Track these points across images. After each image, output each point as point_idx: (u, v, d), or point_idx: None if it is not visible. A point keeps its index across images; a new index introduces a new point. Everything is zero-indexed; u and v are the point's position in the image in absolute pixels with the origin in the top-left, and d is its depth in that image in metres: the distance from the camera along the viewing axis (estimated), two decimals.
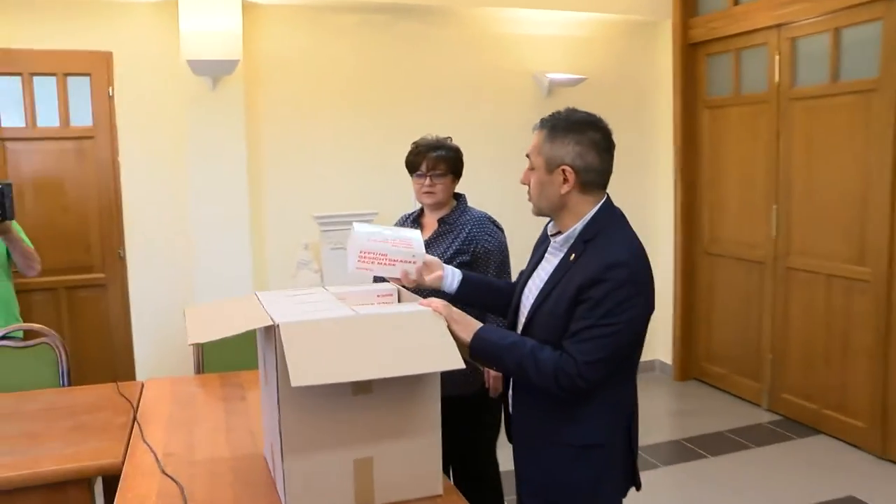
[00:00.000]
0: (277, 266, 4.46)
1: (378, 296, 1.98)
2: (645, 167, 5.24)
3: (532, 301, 1.83)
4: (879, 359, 3.85)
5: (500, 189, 4.37)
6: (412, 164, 2.59)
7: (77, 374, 3.24)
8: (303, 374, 1.50)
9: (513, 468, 1.95)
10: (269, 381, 1.78)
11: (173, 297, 4.31)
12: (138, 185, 4.25)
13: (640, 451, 2.04)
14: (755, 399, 4.68)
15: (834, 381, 4.13)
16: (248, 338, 3.22)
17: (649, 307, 1.74)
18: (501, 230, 2.63)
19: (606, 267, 1.67)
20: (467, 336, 1.76)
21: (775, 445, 4.07)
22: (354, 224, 1.98)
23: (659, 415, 4.62)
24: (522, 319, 1.86)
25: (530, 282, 1.90)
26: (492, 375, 2.59)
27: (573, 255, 1.76)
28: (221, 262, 4.23)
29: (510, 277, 2.59)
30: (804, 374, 4.33)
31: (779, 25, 4.31)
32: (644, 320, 1.74)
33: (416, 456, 1.73)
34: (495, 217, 2.67)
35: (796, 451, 3.98)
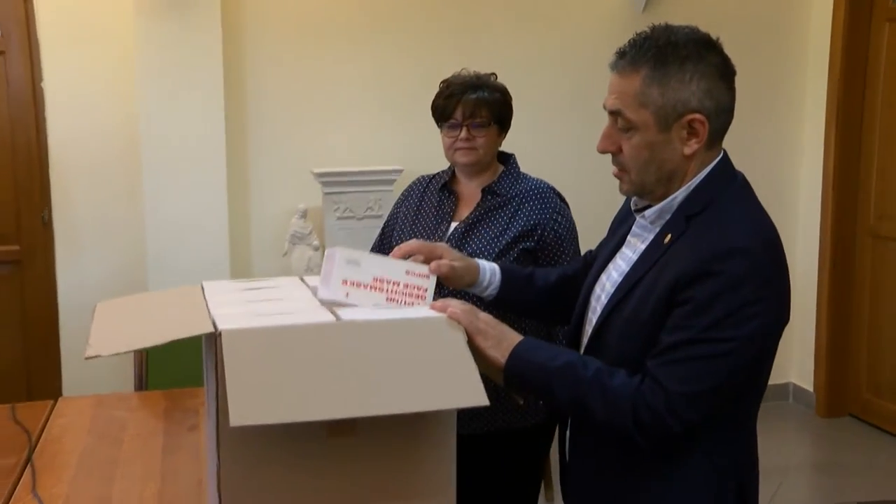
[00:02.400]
0: (264, 240, 4.51)
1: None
2: (781, 110, 5.21)
3: (606, 301, 1.78)
4: None
5: (571, 152, 4.31)
6: (442, 110, 2.61)
7: None
8: (248, 407, 1.46)
9: None
10: (209, 412, 1.77)
11: (118, 281, 4.31)
12: (70, 121, 4.26)
13: None
14: None
15: None
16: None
17: (782, 318, 1.67)
18: (568, 207, 2.68)
19: (718, 254, 1.58)
20: (500, 355, 1.69)
21: None
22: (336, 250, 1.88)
23: (796, 468, 4.57)
24: (590, 328, 1.83)
25: (604, 275, 1.85)
26: None
27: (669, 235, 1.69)
28: (187, 234, 4.25)
29: None
30: None
31: None
32: (773, 337, 1.67)
33: None
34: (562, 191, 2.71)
35: None
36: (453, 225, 2.60)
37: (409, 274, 1.86)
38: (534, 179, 2.66)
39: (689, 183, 1.69)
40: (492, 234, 2.53)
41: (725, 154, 1.74)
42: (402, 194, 2.84)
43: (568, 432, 1.89)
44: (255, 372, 1.52)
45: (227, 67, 4.27)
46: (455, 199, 2.66)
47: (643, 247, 1.75)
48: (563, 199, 2.65)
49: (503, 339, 1.70)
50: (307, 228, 4.31)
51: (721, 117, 1.68)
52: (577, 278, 2.03)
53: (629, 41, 1.69)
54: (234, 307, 1.73)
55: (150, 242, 4.22)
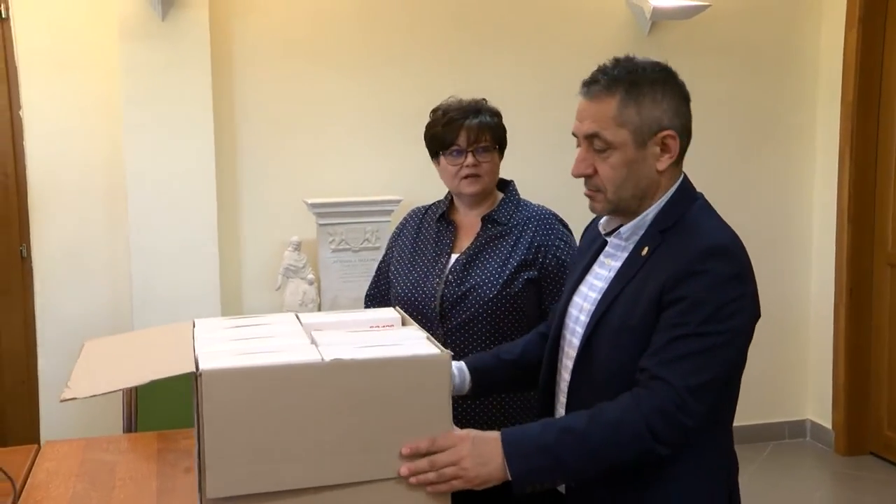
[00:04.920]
0: (256, 274, 4.52)
1: (363, 328, 1.97)
2: (792, 139, 5.21)
3: (589, 318, 1.89)
4: None
5: (568, 177, 4.23)
6: (443, 138, 2.62)
7: None
8: (226, 476, 1.54)
9: None
10: (195, 457, 1.76)
11: (101, 319, 4.31)
12: (50, 151, 4.26)
13: None
14: None
15: None
16: None
17: (757, 313, 1.84)
18: (572, 234, 2.70)
19: (701, 256, 1.76)
20: (496, 468, 1.72)
21: None
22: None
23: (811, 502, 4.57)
24: (571, 349, 1.93)
25: (577, 297, 1.98)
26: None
27: (646, 248, 1.85)
28: (174, 269, 4.25)
29: None
30: None
31: None
32: (751, 331, 1.83)
33: None
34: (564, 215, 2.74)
35: None
36: (454, 257, 2.62)
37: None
38: (535, 206, 2.70)
39: (660, 200, 1.87)
40: (495, 264, 2.55)
41: (685, 175, 1.92)
42: (397, 228, 2.85)
43: None
44: (234, 426, 1.55)
45: (216, 95, 4.29)
46: (454, 230, 2.67)
47: (619, 264, 1.89)
48: (566, 226, 2.69)
49: (488, 452, 1.71)
50: (301, 261, 4.31)
51: (685, 136, 1.88)
52: (545, 335, 2.14)
53: (598, 69, 1.89)
54: (219, 344, 1.76)
55: (135, 278, 4.20)
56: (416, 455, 1.66)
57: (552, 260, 2.58)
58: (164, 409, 3.16)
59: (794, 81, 5.13)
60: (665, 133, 1.83)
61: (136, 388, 3.16)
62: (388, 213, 4.37)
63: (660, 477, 1.79)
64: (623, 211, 1.90)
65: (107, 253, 4.36)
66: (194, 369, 1.59)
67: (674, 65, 5.39)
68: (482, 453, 1.70)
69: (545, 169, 4.54)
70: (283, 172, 4.50)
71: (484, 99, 2.70)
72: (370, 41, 4.56)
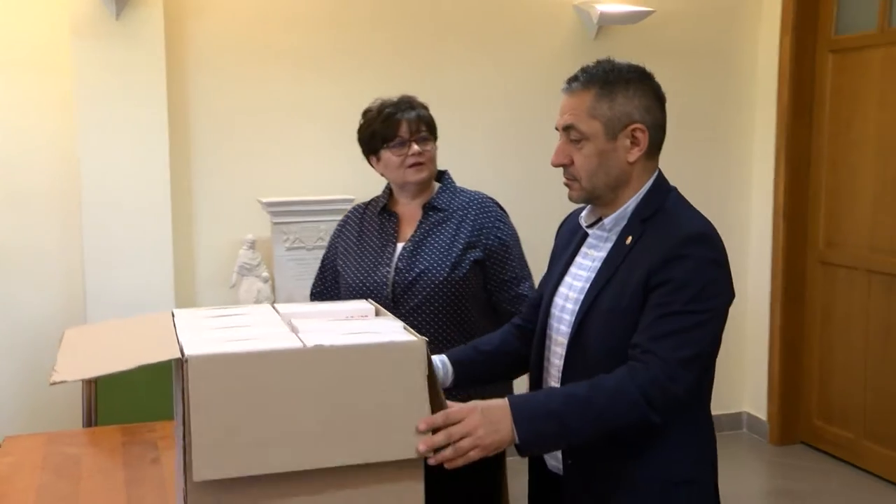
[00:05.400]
0: (211, 272, 4.52)
1: (340, 318, 1.99)
2: (731, 139, 5.30)
3: (578, 305, 2.00)
4: None
5: (521, 173, 4.41)
6: (383, 133, 2.74)
7: None
8: (212, 459, 1.54)
9: None
10: (178, 435, 1.77)
11: (54, 319, 4.30)
12: (2, 150, 4.25)
13: None
14: None
15: None
16: (163, 374, 3.23)
17: (732, 293, 1.97)
18: (508, 215, 2.85)
19: (684, 241, 1.90)
20: (507, 433, 1.81)
21: None
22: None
23: (750, 495, 4.61)
24: (561, 336, 2.04)
25: (562, 287, 2.09)
26: None
27: (629, 237, 1.97)
28: (128, 267, 4.23)
29: (531, 277, 2.81)
30: None
31: None
32: (727, 311, 1.97)
33: None
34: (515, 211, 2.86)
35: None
36: (400, 245, 2.71)
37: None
38: (472, 192, 2.82)
39: (639, 192, 2.00)
40: (441, 248, 2.66)
41: (660, 169, 2.05)
42: (338, 226, 2.94)
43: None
44: (219, 412, 1.55)
45: (170, 95, 4.28)
46: (396, 221, 2.78)
47: (603, 253, 2.01)
48: (503, 209, 2.83)
49: (497, 418, 1.79)
50: (256, 259, 4.33)
51: (657, 132, 2.00)
52: (524, 325, 2.25)
53: (580, 69, 2.01)
54: (202, 333, 1.77)
55: (89, 277, 4.19)
56: (431, 430, 1.70)
57: (494, 241, 2.70)
58: (124, 403, 3.17)
59: (734, 84, 5.23)
60: (634, 126, 1.95)
61: (96, 384, 3.15)
62: (342, 211, 4.25)
63: (653, 446, 1.90)
64: (597, 199, 2.02)
65: (60, 252, 4.34)
66: (180, 355, 1.59)
67: None
68: (492, 420, 1.78)
69: (496, 164, 4.63)
70: (238, 172, 4.50)
71: (411, 95, 2.82)
72: (323, 43, 4.58)
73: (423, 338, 1.72)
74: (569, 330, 2.00)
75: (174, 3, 4.31)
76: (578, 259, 2.09)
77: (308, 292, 3.07)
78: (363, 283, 2.71)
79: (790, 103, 5.01)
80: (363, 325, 1.89)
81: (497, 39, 4.83)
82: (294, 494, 1.65)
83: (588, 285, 1.99)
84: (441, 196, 2.77)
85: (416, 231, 2.72)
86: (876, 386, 4.73)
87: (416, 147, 2.69)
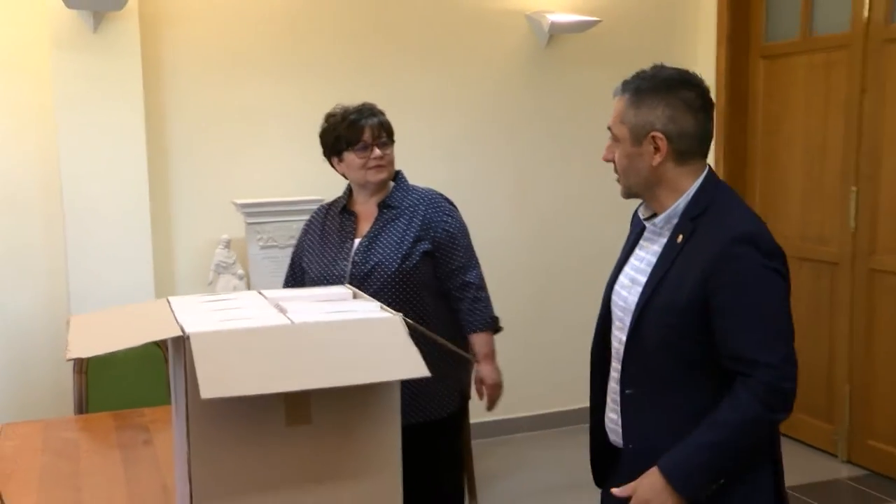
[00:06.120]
0: (189, 270, 4.55)
1: (323, 300, 2.08)
2: None
3: (636, 298, 2.07)
4: None
5: (474, 173, 4.53)
6: (347, 137, 2.86)
7: None
8: (216, 384, 1.58)
9: None
10: (178, 411, 1.86)
11: (38, 317, 4.35)
12: None
13: None
14: (828, 447, 4.80)
15: None
16: (149, 364, 3.33)
17: (788, 281, 2.02)
18: (457, 209, 2.99)
19: (737, 239, 1.95)
20: (676, 492, 1.96)
21: None
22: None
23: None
24: (624, 324, 2.11)
25: (622, 277, 2.18)
26: (485, 377, 2.88)
27: (681, 236, 2.03)
28: (109, 265, 4.26)
29: (479, 266, 2.96)
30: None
31: None
32: (788, 292, 2.03)
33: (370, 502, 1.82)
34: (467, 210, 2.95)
35: None
36: (357, 241, 2.85)
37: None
38: (423, 189, 2.96)
39: (687, 192, 2.04)
40: (393, 242, 2.80)
41: (710, 168, 2.10)
42: (305, 225, 3.07)
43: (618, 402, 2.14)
44: (220, 360, 1.62)
45: (147, 103, 4.29)
46: (355, 219, 2.92)
47: (657, 248, 2.08)
48: (451, 203, 2.97)
49: (656, 480, 1.98)
50: (231, 258, 4.39)
51: (685, 140, 2.03)
52: None
53: (630, 76, 2.11)
54: (199, 315, 1.83)
55: (72, 276, 4.20)
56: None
57: (442, 233, 2.87)
58: (114, 392, 3.23)
59: None
60: (654, 134, 2.02)
61: (87, 373, 3.22)
62: (311, 211, 4.42)
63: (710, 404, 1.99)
64: (637, 195, 2.13)
65: (44, 253, 4.34)
66: (181, 333, 1.66)
67: (569, 74, 5.76)
68: (652, 482, 1.97)
69: (450, 166, 4.67)
70: (213, 175, 4.52)
71: (371, 103, 2.95)
72: (294, 50, 4.61)
73: (399, 314, 1.82)
74: (629, 320, 2.08)
75: (149, 14, 4.32)
76: (637, 251, 2.17)
77: (281, 287, 3.19)
78: (323, 276, 2.85)
79: (727, 107, 5.13)
80: (343, 305, 1.99)
81: (453, 48, 4.89)
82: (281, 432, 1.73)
83: (645, 279, 2.06)
84: (395, 194, 2.91)
85: (371, 228, 2.87)
86: (806, 363, 4.68)
87: (377, 151, 2.83)
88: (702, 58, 5.31)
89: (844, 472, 4.60)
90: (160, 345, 3.23)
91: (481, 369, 2.96)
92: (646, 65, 5.32)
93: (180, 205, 4.54)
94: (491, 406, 2.99)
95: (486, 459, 4.65)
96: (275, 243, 4.41)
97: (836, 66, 4.68)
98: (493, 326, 2.99)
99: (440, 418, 2.85)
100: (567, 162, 5.10)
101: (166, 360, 3.24)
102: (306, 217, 4.39)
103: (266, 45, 4.58)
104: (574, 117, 5.07)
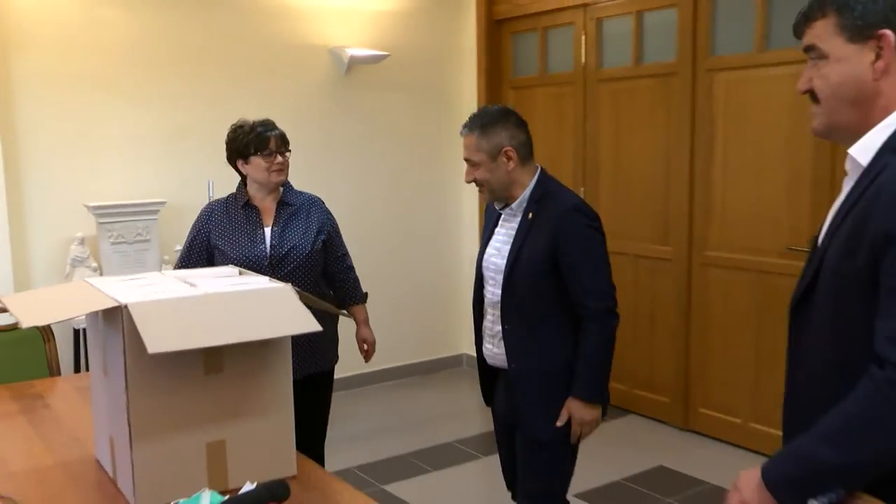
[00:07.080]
0: (47, 265, 4.45)
1: (220, 276, 2.16)
2: (447, 155, 5.57)
3: (504, 260, 2.52)
4: (681, 336, 4.61)
5: (292, 180, 4.53)
6: (258, 143, 2.94)
7: None
8: (159, 342, 1.67)
9: None
10: (110, 369, 1.91)
11: None
12: None
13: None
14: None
15: (642, 361, 4.86)
16: (26, 345, 3.25)
17: (604, 236, 2.55)
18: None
19: (570, 210, 2.46)
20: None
21: None
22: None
23: (468, 410, 5.05)
24: (497, 280, 2.53)
25: (490, 248, 2.62)
26: (367, 337, 3.26)
27: (530, 213, 2.50)
28: None
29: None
30: (615, 356, 4.97)
31: (585, 5, 4.97)
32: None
33: (269, 436, 1.94)
34: None
35: (608, 432, 4.35)
36: (267, 230, 2.96)
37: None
38: (307, 193, 3.14)
39: (530, 184, 2.51)
40: (302, 230, 2.99)
41: (540, 166, 2.56)
42: (204, 216, 3.06)
43: None
44: (156, 323, 1.69)
45: (1, 122, 4.18)
46: (258, 212, 3.01)
47: (514, 225, 2.52)
48: (325, 204, 3.17)
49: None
50: (85, 253, 4.33)
51: (523, 148, 2.52)
52: None
53: (469, 118, 2.56)
54: (125, 291, 1.86)
55: None
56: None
57: (331, 228, 3.13)
58: None
59: (449, 113, 5.50)
60: (506, 149, 2.48)
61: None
62: (156, 212, 4.44)
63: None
64: (500, 198, 2.55)
65: None
66: (118, 303, 1.72)
67: (364, 99, 6.07)
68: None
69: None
70: (66, 182, 4.42)
71: (270, 119, 3.05)
72: (136, 71, 4.56)
73: (288, 284, 1.96)
74: (501, 277, 2.51)
75: (1, 36, 4.20)
76: (498, 230, 2.60)
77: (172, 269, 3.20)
78: (245, 257, 2.91)
79: None
80: (238, 279, 2.08)
81: (270, 75, 4.95)
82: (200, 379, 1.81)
83: (509, 246, 2.50)
84: (288, 194, 3.05)
85: (276, 219, 2.99)
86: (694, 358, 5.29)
87: (280, 158, 2.96)
88: (466, 86, 5.61)
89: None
90: (39, 329, 3.17)
91: (362, 332, 3.28)
92: (425, 90, 5.77)
93: (37, 209, 4.40)
94: (368, 360, 3.33)
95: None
96: (123, 239, 4.39)
97: (565, 97, 5.15)
98: (365, 299, 3.33)
99: (328, 369, 3.11)
100: (366, 168, 5.29)
101: (45, 341, 3.20)
102: (151, 217, 4.43)
103: (112, 66, 4.51)
104: (370, 132, 5.26)
